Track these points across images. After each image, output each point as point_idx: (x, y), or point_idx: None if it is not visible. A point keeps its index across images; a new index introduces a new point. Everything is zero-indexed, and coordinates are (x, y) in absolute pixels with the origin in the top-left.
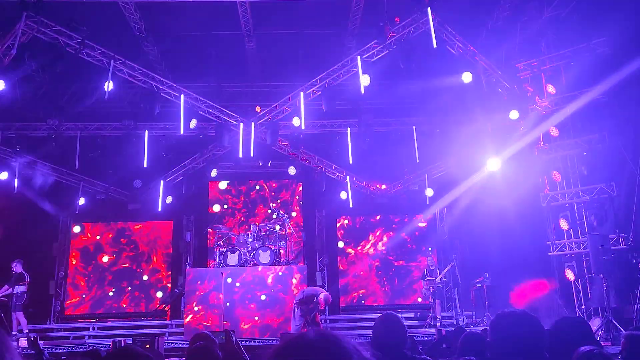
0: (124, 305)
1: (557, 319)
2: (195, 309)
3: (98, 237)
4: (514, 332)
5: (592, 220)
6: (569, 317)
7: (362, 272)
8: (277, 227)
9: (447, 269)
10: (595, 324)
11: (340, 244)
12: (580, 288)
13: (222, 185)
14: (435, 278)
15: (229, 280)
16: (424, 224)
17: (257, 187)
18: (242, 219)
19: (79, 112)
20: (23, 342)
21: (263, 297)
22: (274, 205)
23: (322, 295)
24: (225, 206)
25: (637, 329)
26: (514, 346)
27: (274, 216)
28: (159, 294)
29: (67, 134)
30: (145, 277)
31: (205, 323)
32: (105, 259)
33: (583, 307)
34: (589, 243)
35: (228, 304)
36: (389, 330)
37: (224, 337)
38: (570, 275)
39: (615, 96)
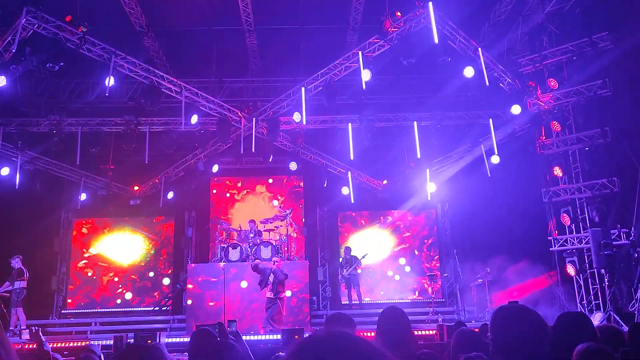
0: (126, 301)
1: (559, 314)
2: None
3: (100, 233)
4: (515, 327)
5: (593, 216)
6: (570, 312)
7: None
8: (279, 223)
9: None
10: (596, 318)
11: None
12: (582, 283)
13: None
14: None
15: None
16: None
17: (259, 182)
18: (244, 214)
19: (80, 107)
20: (25, 335)
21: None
22: (278, 203)
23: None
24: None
25: None
26: (516, 341)
27: (275, 211)
28: (163, 287)
29: (68, 130)
30: (147, 273)
31: (207, 316)
32: (107, 255)
33: (584, 302)
34: (591, 238)
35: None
36: (394, 323)
37: (217, 330)
38: (571, 270)
39: (617, 91)
